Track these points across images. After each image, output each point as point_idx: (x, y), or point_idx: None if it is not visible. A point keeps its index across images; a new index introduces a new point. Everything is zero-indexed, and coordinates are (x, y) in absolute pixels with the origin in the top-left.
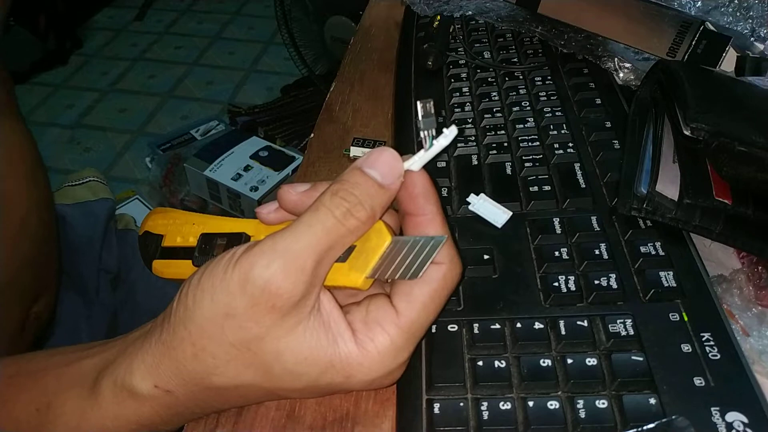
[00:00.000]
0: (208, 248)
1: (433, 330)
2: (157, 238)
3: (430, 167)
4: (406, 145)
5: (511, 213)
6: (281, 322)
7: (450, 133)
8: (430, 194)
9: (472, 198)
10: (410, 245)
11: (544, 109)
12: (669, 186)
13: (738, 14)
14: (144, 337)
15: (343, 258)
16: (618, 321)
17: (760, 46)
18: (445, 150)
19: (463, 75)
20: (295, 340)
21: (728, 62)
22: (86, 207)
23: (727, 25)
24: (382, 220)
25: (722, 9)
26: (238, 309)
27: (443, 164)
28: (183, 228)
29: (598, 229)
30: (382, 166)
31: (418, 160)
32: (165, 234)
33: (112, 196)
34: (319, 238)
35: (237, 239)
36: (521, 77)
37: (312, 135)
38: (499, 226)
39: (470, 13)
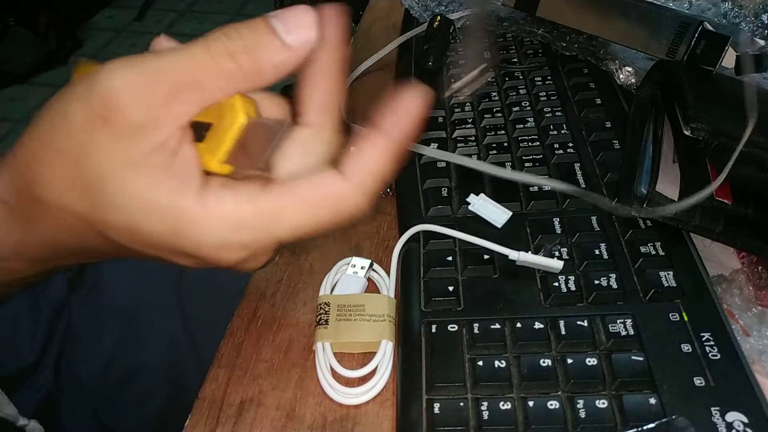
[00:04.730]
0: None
1: (433, 330)
2: None
3: (429, 168)
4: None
5: (511, 213)
6: (112, 142)
7: None
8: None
9: (472, 198)
10: (269, 128)
11: (544, 109)
12: (669, 186)
13: (735, 12)
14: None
15: (200, 139)
16: (618, 321)
17: (761, 42)
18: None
19: (463, 75)
20: (128, 170)
21: (728, 60)
22: None
23: (725, 24)
24: (252, 99)
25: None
26: (73, 114)
27: (443, 164)
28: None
29: (598, 229)
30: (291, 22)
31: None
32: None
33: None
34: (182, 65)
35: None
36: (521, 77)
37: None
38: (499, 226)
39: (469, 13)
